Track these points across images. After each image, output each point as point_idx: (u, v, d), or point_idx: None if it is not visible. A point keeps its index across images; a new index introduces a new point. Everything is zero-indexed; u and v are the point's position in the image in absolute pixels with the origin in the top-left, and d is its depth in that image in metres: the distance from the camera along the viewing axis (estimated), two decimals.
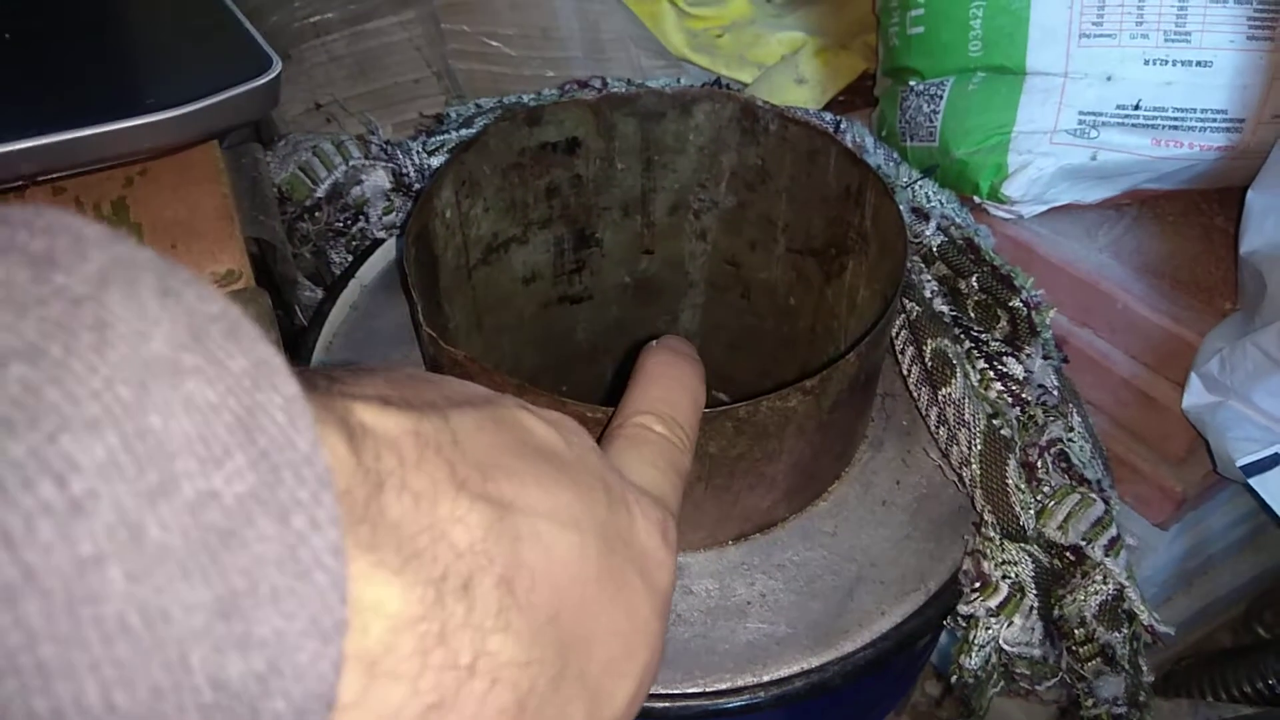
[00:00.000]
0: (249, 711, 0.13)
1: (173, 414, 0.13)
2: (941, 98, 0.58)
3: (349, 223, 0.55)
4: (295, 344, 0.51)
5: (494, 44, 0.66)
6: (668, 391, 0.30)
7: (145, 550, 0.12)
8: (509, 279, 0.55)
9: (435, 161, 0.54)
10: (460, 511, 0.18)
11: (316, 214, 0.54)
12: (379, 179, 0.53)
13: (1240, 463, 0.46)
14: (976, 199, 0.59)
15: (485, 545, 0.18)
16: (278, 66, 0.30)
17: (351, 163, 0.52)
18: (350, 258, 0.55)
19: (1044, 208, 0.59)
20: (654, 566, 0.23)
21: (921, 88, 0.60)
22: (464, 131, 0.55)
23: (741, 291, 0.59)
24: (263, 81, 0.29)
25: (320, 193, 0.52)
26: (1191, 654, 0.72)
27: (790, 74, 0.75)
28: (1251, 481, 0.46)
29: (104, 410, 0.12)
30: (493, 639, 0.18)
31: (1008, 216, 0.60)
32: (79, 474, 0.12)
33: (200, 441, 0.13)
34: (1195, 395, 0.52)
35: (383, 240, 0.55)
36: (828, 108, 0.75)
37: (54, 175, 0.28)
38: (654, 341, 0.34)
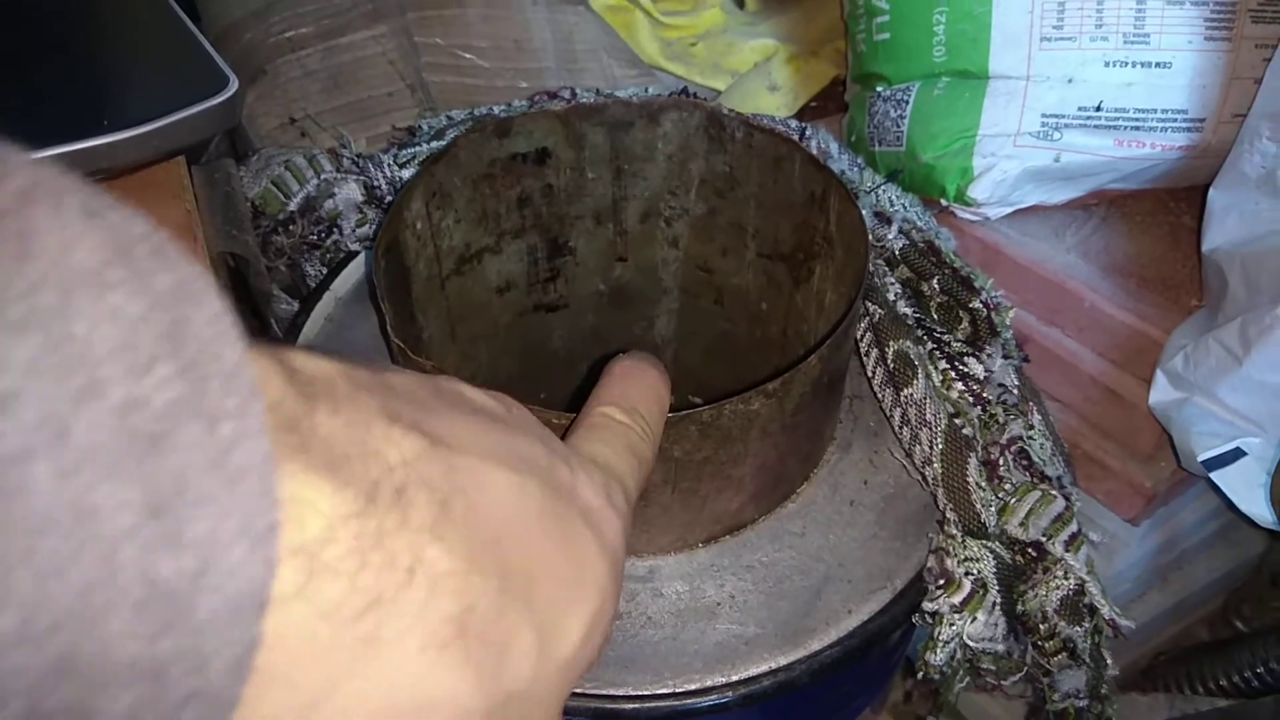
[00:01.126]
0: (183, 609, 0.13)
1: (97, 323, 0.13)
2: (908, 102, 0.59)
3: (323, 236, 0.55)
4: None
5: (467, 56, 0.67)
6: (630, 388, 0.31)
7: (71, 449, 0.12)
8: (483, 288, 0.56)
9: (406, 174, 0.54)
10: (394, 436, 0.18)
11: (290, 227, 0.55)
12: (351, 192, 0.53)
13: (1201, 457, 0.46)
14: (944, 202, 0.60)
15: (418, 465, 0.18)
16: (234, 85, 0.30)
17: (323, 176, 0.53)
18: (324, 270, 0.56)
19: (1010, 209, 0.60)
20: (600, 521, 0.23)
21: (888, 93, 0.61)
22: (435, 144, 0.55)
23: (714, 297, 0.59)
24: (219, 100, 0.29)
25: (293, 206, 0.53)
26: (1169, 649, 0.73)
27: (763, 81, 0.76)
28: (1213, 476, 0.46)
29: (28, 312, 0.12)
30: (430, 549, 0.18)
31: (975, 219, 0.60)
32: (2, 372, 0.12)
33: (126, 350, 0.13)
34: (1161, 392, 0.52)
35: (356, 253, 0.56)
36: (800, 114, 0.76)
37: None
38: (620, 355, 0.35)
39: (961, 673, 0.41)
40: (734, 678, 0.39)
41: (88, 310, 0.13)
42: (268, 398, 0.16)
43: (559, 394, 0.64)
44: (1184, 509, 0.63)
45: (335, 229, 0.55)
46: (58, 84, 0.30)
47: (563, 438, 0.29)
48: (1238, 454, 0.46)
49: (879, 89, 0.62)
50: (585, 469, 0.24)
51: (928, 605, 0.40)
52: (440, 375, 0.23)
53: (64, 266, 0.13)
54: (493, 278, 0.56)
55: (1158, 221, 0.62)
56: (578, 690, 0.40)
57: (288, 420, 0.16)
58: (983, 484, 0.40)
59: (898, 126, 0.60)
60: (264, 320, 0.55)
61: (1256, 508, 0.45)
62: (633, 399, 0.30)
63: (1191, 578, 0.69)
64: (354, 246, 0.55)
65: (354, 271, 0.56)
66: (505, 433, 0.22)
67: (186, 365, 0.14)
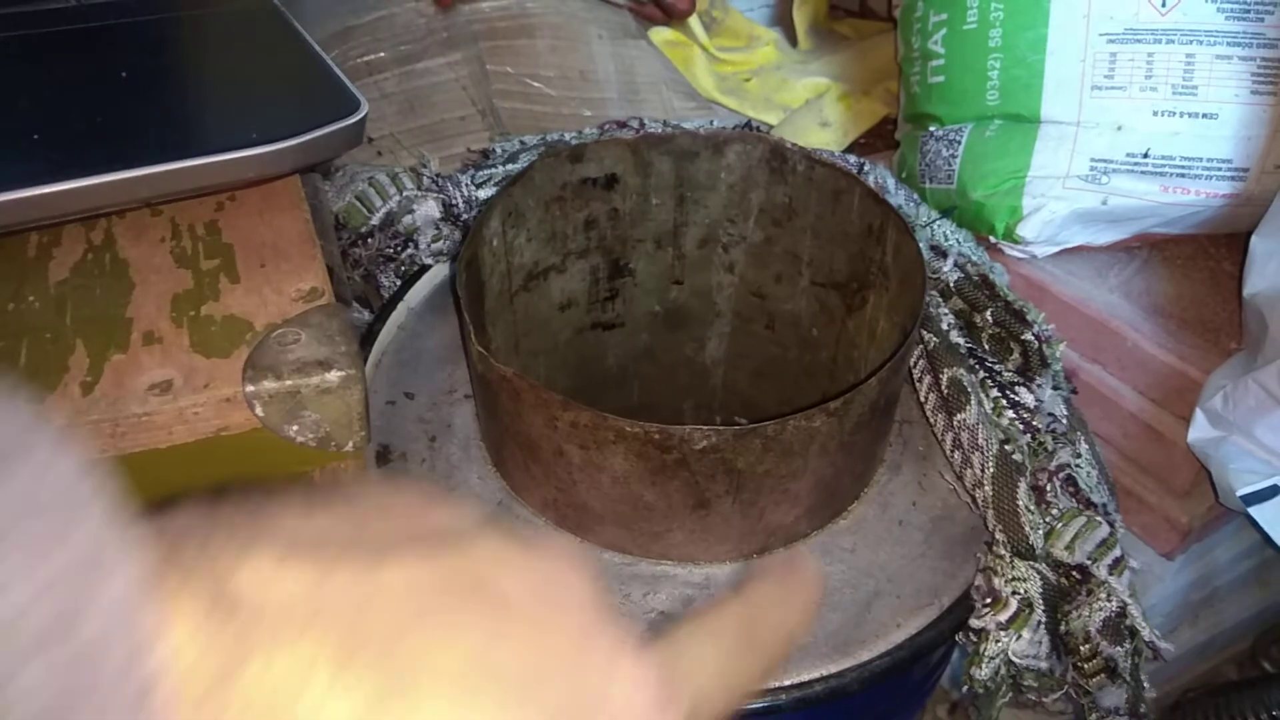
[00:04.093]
0: None
1: None
2: (960, 143, 0.62)
3: (399, 249, 0.58)
4: None
5: (535, 85, 0.70)
6: (776, 611, 0.26)
7: None
8: (547, 305, 0.58)
9: (483, 193, 0.57)
10: (334, 698, 0.16)
11: (369, 240, 0.57)
12: (430, 209, 0.56)
13: (1240, 493, 0.48)
14: (992, 239, 0.62)
15: None
16: (365, 108, 0.33)
17: (405, 193, 0.56)
18: (399, 282, 0.59)
19: (1057, 249, 0.62)
20: None
21: (941, 133, 0.63)
22: (510, 166, 0.58)
23: (766, 322, 0.62)
24: (352, 121, 0.32)
25: (375, 221, 0.56)
26: (1198, 687, 0.74)
27: (815, 117, 0.78)
28: (1251, 511, 0.48)
29: None
30: None
31: (1022, 256, 0.63)
32: None
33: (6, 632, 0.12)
34: (1200, 430, 0.54)
35: (429, 266, 0.58)
36: (849, 150, 0.79)
37: (164, 200, 0.31)
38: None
39: (1005, 688, 0.43)
40: (787, 682, 0.41)
41: None
42: (181, 663, 0.15)
43: (612, 409, 0.66)
44: (1218, 547, 0.64)
45: (412, 243, 0.57)
46: (209, 101, 0.33)
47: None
48: (1275, 490, 0.47)
49: (931, 129, 0.64)
50: (637, 670, 0.20)
51: (975, 622, 0.42)
52: (476, 542, 0.19)
53: None
54: (556, 295, 0.59)
55: (1198, 266, 0.64)
56: None
57: (202, 692, 0.15)
58: (1031, 508, 0.42)
59: (949, 165, 0.62)
60: None
61: None
62: (770, 624, 0.25)
63: (1222, 616, 0.70)
64: (428, 260, 0.58)
65: (425, 284, 0.59)
66: (515, 646, 0.18)
67: (76, 655, 0.13)
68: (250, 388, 0.28)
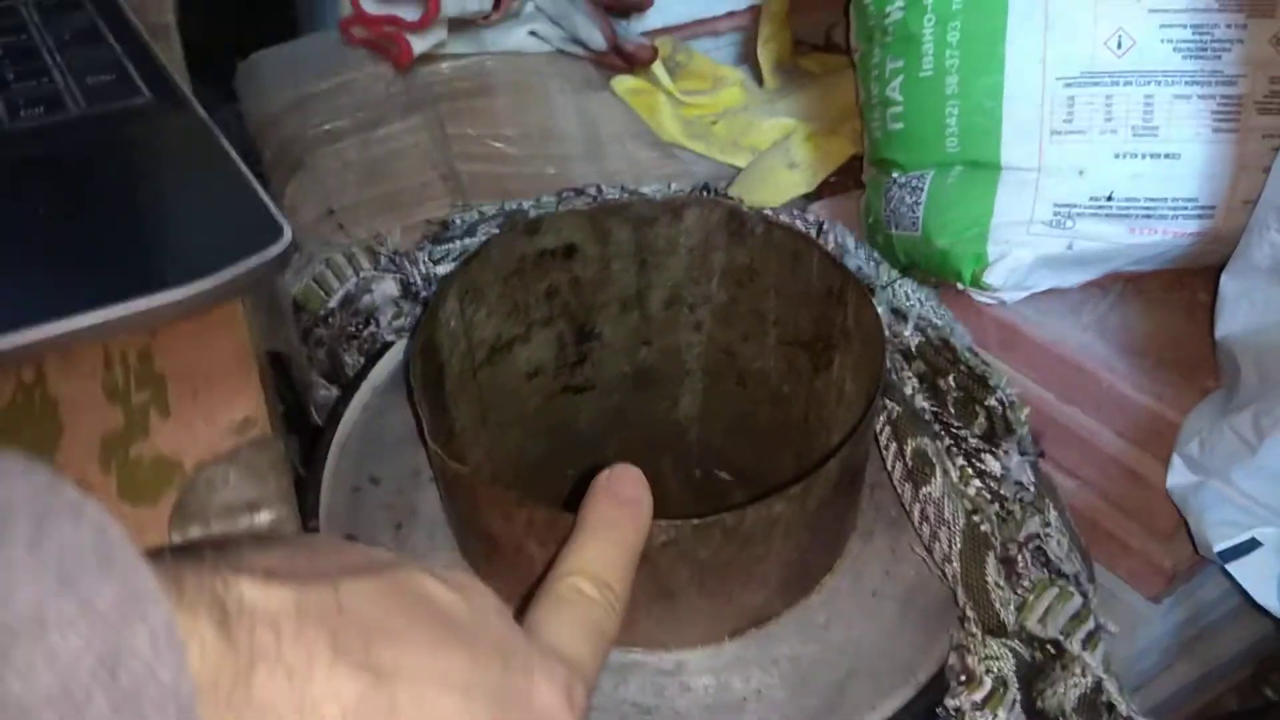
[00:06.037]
0: None
1: (34, 672, 0.13)
2: (923, 189, 0.61)
3: (360, 327, 0.58)
4: (313, 443, 0.54)
5: (497, 145, 0.70)
6: (603, 550, 0.31)
7: None
8: (513, 375, 0.58)
9: (441, 269, 0.57)
10: (335, 684, 0.19)
11: (330, 320, 0.57)
12: (388, 288, 0.56)
13: (1218, 548, 0.47)
14: (960, 286, 0.61)
15: (358, 713, 0.19)
16: (288, 235, 0.33)
17: (362, 274, 0.55)
18: (362, 359, 0.58)
19: (1025, 293, 0.61)
20: None
21: (904, 179, 0.63)
22: (468, 239, 0.58)
23: (736, 379, 0.61)
24: (275, 253, 0.32)
25: (333, 303, 0.55)
26: (1198, 718, 0.73)
27: (782, 159, 0.78)
28: (1229, 568, 0.47)
29: None
30: None
31: (991, 302, 0.62)
32: None
33: (62, 694, 0.13)
34: (1178, 475, 0.53)
35: (392, 343, 0.58)
36: (819, 190, 0.78)
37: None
38: (603, 474, 0.35)
39: None
40: None
41: (25, 663, 0.13)
42: (201, 676, 0.16)
43: (586, 471, 0.66)
44: (1206, 584, 0.63)
45: (373, 321, 0.57)
46: (121, 239, 0.32)
47: (533, 593, 0.29)
48: (1253, 544, 0.47)
49: (894, 175, 0.64)
50: (545, 667, 0.24)
51: (950, 702, 0.41)
52: (404, 568, 0.23)
53: (2, 620, 0.13)
54: (522, 364, 0.58)
55: (1173, 299, 0.64)
56: None
57: (221, 698, 0.17)
58: (1001, 583, 0.41)
59: (913, 212, 0.62)
60: (305, 410, 0.57)
61: (1273, 600, 0.46)
62: (604, 563, 0.30)
63: (1218, 649, 0.69)
64: (390, 338, 0.58)
65: (389, 361, 0.58)
66: (460, 646, 0.22)
67: (122, 696, 0.14)
68: (177, 537, 0.28)
